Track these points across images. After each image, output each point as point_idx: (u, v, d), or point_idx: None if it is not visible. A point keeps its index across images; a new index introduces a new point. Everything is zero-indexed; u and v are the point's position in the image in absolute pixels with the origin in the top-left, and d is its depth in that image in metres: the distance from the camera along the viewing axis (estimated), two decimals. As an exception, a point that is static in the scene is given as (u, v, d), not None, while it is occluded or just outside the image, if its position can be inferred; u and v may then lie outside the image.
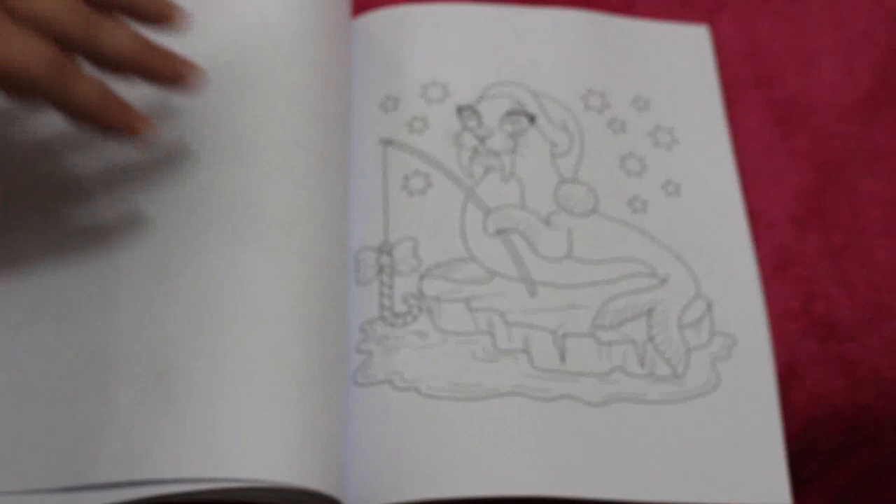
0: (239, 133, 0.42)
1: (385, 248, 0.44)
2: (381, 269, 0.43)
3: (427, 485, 0.38)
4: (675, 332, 0.43)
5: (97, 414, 0.37)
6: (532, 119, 0.47)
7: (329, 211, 0.42)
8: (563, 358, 0.42)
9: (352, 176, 0.46)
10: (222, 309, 0.38)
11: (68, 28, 0.35)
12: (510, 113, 0.47)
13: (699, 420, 0.41)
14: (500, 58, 0.49)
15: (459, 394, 0.41)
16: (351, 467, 0.39)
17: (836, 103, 0.48)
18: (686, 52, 0.50)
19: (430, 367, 0.41)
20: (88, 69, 0.36)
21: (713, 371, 0.42)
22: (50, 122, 0.42)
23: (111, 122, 0.36)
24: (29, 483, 0.36)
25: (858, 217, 0.46)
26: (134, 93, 0.39)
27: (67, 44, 0.35)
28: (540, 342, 0.42)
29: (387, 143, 0.46)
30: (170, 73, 0.38)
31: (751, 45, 0.50)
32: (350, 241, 0.44)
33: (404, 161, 0.46)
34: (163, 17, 0.38)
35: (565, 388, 0.41)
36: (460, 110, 0.47)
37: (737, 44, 0.49)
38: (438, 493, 0.38)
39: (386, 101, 0.47)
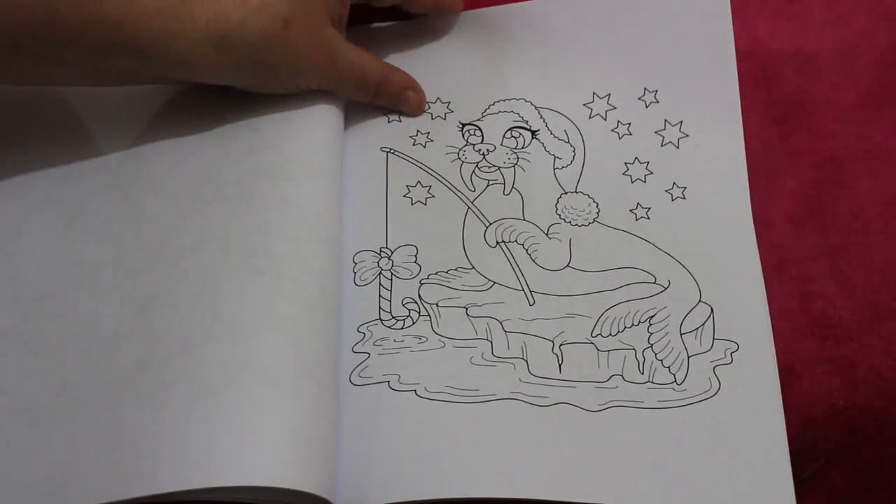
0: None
1: (385, 253, 0.45)
2: (380, 272, 0.44)
3: (421, 484, 0.39)
4: (675, 339, 0.43)
5: (94, 427, 0.38)
6: (534, 133, 0.48)
7: (325, 223, 0.43)
8: (560, 366, 0.42)
9: (353, 180, 0.47)
10: (211, 319, 0.39)
11: None
12: (512, 128, 0.48)
13: (698, 424, 0.41)
14: (503, 73, 0.49)
15: (456, 397, 0.41)
16: (345, 465, 0.40)
17: (835, 103, 0.48)
18: (702, 24, 0.49)
19: (429, 369, 0.42)
20: None
21: (714, 376, 0.42)
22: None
23: None
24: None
25: (857, 216, 0.45)
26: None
27: None
28: (537, 350, 0.42)
29: (389, 151, 0.47)
30: None
31: (750, 45, 0.50)
32: (349, 242, 0.45)
33: (406, 171, 0.47)
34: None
35: (562, 394, 0.41)
36: (463, 127, 0.48)
37: (736, 43, 0.49)
38: (433, 493, 0.39)
39: (391, 115, 0.49)
